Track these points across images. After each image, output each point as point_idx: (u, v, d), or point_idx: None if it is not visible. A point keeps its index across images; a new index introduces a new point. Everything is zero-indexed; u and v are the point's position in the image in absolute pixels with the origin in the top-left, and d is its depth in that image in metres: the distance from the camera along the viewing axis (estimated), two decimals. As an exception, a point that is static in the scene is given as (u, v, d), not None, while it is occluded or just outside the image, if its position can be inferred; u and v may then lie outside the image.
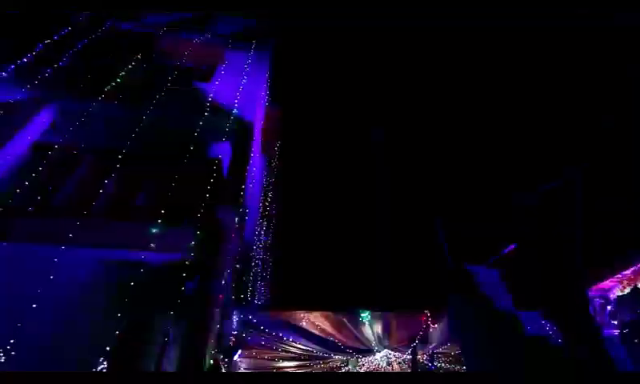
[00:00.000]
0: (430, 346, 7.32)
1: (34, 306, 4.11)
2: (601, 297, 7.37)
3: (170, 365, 4.36)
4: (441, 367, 8.44)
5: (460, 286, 5.32)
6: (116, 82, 6.87)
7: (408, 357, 7.73)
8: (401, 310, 6.84)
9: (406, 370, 8.08)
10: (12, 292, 4.28)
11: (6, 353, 3.89)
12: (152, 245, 4.51)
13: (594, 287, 7.29)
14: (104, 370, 3.87)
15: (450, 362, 8.39)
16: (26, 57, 6.66)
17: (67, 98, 6.27)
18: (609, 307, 7.33)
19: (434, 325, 6.65)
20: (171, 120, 6.71)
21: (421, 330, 6.72)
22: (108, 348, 4.01)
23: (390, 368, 8.23)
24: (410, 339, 7.05)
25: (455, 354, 7.79)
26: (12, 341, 3.89)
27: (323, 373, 7.91)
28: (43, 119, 6.06)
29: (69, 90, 6.37)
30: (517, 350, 4.45)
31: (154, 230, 4.65)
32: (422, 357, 7.93)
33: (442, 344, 7.28)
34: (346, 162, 39.10)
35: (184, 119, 6.71)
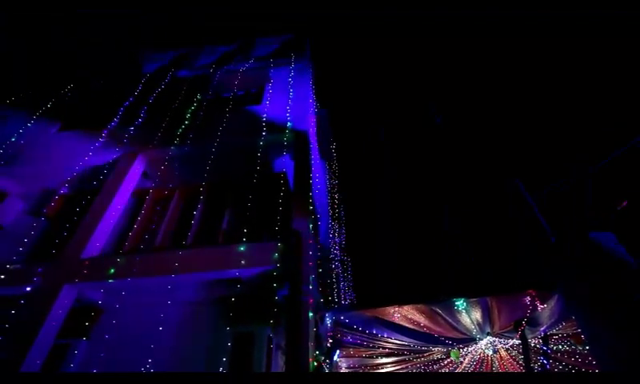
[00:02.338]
0: (542, 328, 6.52)
1: (160, 328, 4.77)
2: None
3: (278, 370, 4.65)
4: (558, 350, 7.45)
5: (571, 257, 4.64)
6: (185, 124, 7.68)
7: (516, 342, 7.00)
8: (499, 293, 6.19)
9: (516, 357, 7.31)
10: (140, 318, 5.03)
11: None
12: (242, 262, 4.87)
13: None
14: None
15: (568, 344, 7.37)
16: (113, 121, 7.85)
17: (150, 148, 7.18)
18: None
19: (542, 305, 5.91)
20: (235, 146, 7.21)
21: (527, 312, 6.04)
22: (224, 358, 4.43)
23: (497, 356, 7.54)
24: (516, 323, 6.37)
25: (573, 332, 6.82)
26: (147, 360, 4.53)
27: (436, 373, 7.50)
28: (136, 170, 7.03)
29: (150, 140, 7.30)
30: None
31: (241, 249, 5.01)
32: (533, 341, 7.11)
33: (554, 324, 6.43)
34: (403, 150, 37.68)
35: (246, 143, 7.16)
